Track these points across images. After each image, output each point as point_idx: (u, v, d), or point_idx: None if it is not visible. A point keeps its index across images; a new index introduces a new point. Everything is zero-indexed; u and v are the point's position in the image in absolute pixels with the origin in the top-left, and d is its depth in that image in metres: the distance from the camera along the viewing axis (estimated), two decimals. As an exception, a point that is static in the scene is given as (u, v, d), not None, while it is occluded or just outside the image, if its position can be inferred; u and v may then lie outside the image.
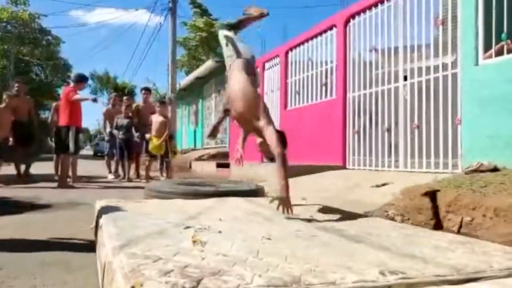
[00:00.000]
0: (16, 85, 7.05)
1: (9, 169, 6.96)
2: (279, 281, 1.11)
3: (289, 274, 1.17)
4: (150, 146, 7.04)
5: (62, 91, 6.76)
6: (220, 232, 1.82)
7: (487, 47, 3.71)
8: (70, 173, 6.35)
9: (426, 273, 1.23)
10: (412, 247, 1.58)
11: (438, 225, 2.62)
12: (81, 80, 6.63)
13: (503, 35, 3.55)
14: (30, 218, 3.43)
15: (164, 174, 7.33)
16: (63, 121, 6.25)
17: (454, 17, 4.05)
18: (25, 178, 6.71)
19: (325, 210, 2.59)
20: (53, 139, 7.28)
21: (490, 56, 3.67)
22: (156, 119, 7.13)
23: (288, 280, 1.12)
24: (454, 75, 4.03)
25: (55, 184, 6.11)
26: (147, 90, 8.41)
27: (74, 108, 6.22)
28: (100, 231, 1.94)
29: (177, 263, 1.24)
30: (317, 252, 1.47)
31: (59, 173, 6.41)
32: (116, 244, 1.48)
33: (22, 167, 6.98)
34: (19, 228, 2.98)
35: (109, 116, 7.89)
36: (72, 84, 6.61)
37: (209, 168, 8.64)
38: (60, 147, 6.62)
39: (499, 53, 3.59)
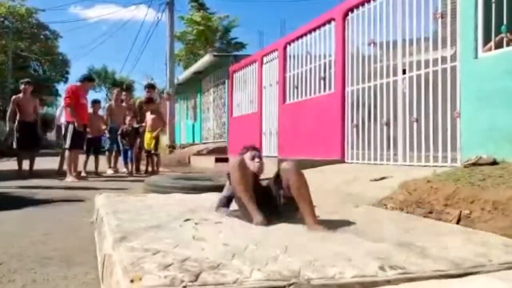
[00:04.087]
0: (22, 86, 7.06)
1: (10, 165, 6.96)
2: (278, 275, 1.11)
3: (288, 268, 1.17)
4: (145, 142, 7.30)
5: (67, 88, 6.81)
6: (218, 225, 1.83)
7: (487, 40, 3.69)
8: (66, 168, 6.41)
9: (425, 267, 1.23)
10: (411, 241, 1.58)
11: (436, 219, 2.62)
12: (88, 79, 6.86)
13: (503, 27, 3.53)
14: (30, 212, 3.43)
15: (150, 168, 7.46)
16: (66, 117, 6.42)
17: (453, 10, 4.03)
18: (31, 173, 6.78)
19: (324, 203, 2.59)
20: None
21: (490, 49, 3.66)
22: (148, 116, 7.41)
23: (287, 274, 1.12)
24: (453, 68, 4.02)
25: (55, 179, 6.13)
26: (151, 87, 8.39)
27: (76, 105, 6.28)
28: (100, 225, 1.95)
29: (176, 257, 1.24)
30: (316, 246, 1.47)
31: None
32: (115, 237, 1.49)
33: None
34: (19, 223, 2.98)
35: (111, 112, 7.90)
36: (78, 83, 6.68)
37: (208, 162, 8.65)
38: (23, 143, 6.61)
39: (499, 45, 3.58)
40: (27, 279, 1.73)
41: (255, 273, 1.12)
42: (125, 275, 1.08)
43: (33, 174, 6.69)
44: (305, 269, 1.16)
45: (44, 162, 7.52)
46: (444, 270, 1.22)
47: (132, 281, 1.03)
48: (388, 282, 1.14)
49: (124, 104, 8.09)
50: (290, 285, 1.07)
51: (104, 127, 7.76)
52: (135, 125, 7.76)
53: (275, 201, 2.02)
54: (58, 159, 7.41)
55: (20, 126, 6.73)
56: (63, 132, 6.58)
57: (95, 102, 8.02)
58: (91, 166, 7.36)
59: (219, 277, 1.08)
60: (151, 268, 1.13)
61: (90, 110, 7.60)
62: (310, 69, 6.52)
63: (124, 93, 8.44)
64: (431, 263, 1.26)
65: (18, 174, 6.63)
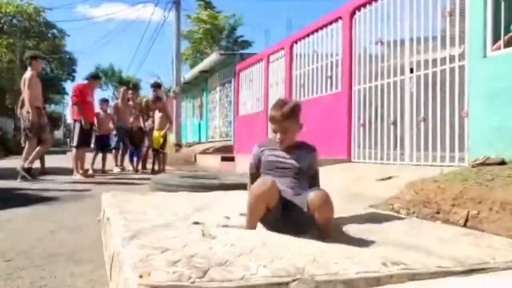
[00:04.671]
0: None
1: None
2: (283, 272, 1.12)
3: (293, 265, 1.18)
4: (153, 141, 7.35)
5: (74, 86, 6.88)
6: (225, 224, 1.84)
7: (496, 39, 3.66)
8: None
9: (429, 264, 1.23)
10: (416, 240, 1.58)
11: (443, 219, 2.61)
12: (94, 77, 6.89)
13: (512, 26, 3.51)
14: (38, 210, 3.46)
15: (156, 167, 7.50)
16: (73, 115, 6.52)
17: (462, 8, 4.00)
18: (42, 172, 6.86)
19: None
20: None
21: (499, 48, 3.63)
22: (157, 115, 7.49)
23: (292, 270, 1.13)
24: (462, 67, 3.99)
25: (62, 177, 6.19)
26: (157, 86, 8.45)
27: (83, 104, 6.34)
28: (107, 223, 1.96)
29: (184, 254, 1.25)
30: (320, 245, 1.48)
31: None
32: (124, 235, 1.50)
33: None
34: (26, 220, 3.02)
35: (117, 110, 7.97)
36: (85, 81, 6.75)
37: (214, 161, 8.67)
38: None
39: (508, 44, 3.55)
40: (35, 276, 1.75)
41: (261, 270, 1.13)
42: (134, 271, 1.09)
43: (45, 172, 6.78)
44: (309, 266, 1.17)
45: (52, 160, 7.59)
46: (448, 267, 1.22)
47: (141, 276, 1.04)
48: (391, 277, 1.14)
49: (130, 103, 8.15)
50: (294, 280, 1.08)
51: (111, 125, 7.84)
52: (140, 125, 7.82)
53: (297, 216, 1.74)
54: (64, 156, 7.49)
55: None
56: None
57: (103, 101, 8.11)
58: (98, 164, 7.42)
59: (226, 274, 1.10)
60: (159, 264, 1.14)
61: (98, 108, 7.70)
62: (317, 67, 6.51)
63: (130, 91, 8.49)
64: (435, 261, 1.26)
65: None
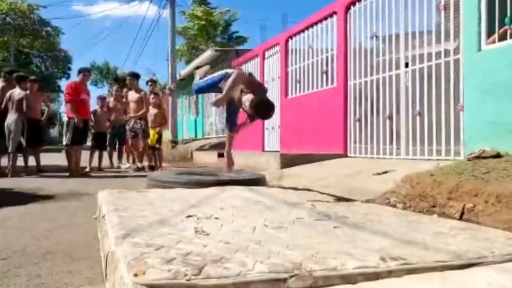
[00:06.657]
0: (28, 84, 7.04)
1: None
2: (280, 268, 1.12)
3: (290, 260, 1.17)
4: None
5: (67, 84, 6.84)
6: (221, 220, 1.83)
7: (490, 33, 3.67)
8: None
9: (427, 258, 1.23)
10: (414, 234, 1.58)
11: (439, 212, 2.62)
12: (83, 71, 6.77)
13: (507, 20, 3.50)
14: (34, 208, 3.44)
15: (153, 163, 7.49)
16: (67, 113, 6.55)
17: (457, 2, 4.00)
18: (39, 170, 6.83)
19: (326, 197, 2.59)
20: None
21: (493, 41, 3.63)
22: (151, 111, 7.35)
23: (290, 266, 1.13)
24: (456, 61, 4.00)
25: (58, 175, 6.16)
26: (153, 81, 8.45)
27: (76, 102, 6.32)
28: (103, 221, 1.95)
29: (180, 251, 1.25)
30: (318, 239, 1.47)
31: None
32: (119, 233, 1.49)
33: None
34: (22, 218, 3.00)
35: (109, 108, 7.99)
36: (77, 79, 6.73)
37: (210, 158, 8.65)
38: (31, 140, 6.62)
39: (503, 38, 3.55)
40: (32, 273, 1.74)
41: (258, 266, 1.12)
42: (129, 270, 1.08)
43: (41, 170, 6.74)
44: (307, 262, 1.16)
45: (49, 159, 7.55)
46: (446, 261, 1.22)
47: (135, 275, 1.03)
48: (390, 272, 1.14)
49: (124, 100, 8.14)
50: (292, 276, 1.08)
51: (108, 123, 7.83)
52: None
53: None
54: (60, 154, 7.48)
55: (27, 123, 6.79)
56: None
57: (101, 98, 8.14)
58: (94, 161, 7.40)
59: (222, 270, 1.09)
60: (154, 262, 1.13)
61: (96, 106, 7.75)
62: (312, 63, 6.50)
63: (125, 90, 8.47)
64: (432, 255, 1.27)
65: (25, 170, 6.67)
